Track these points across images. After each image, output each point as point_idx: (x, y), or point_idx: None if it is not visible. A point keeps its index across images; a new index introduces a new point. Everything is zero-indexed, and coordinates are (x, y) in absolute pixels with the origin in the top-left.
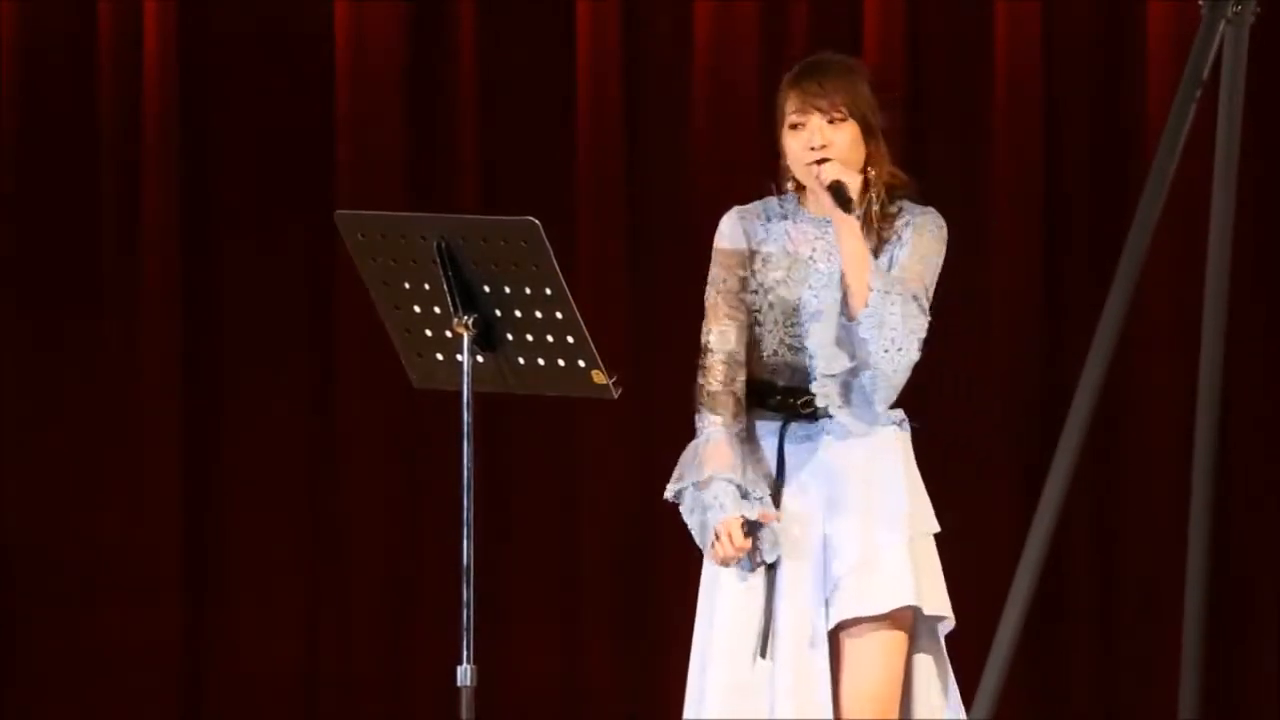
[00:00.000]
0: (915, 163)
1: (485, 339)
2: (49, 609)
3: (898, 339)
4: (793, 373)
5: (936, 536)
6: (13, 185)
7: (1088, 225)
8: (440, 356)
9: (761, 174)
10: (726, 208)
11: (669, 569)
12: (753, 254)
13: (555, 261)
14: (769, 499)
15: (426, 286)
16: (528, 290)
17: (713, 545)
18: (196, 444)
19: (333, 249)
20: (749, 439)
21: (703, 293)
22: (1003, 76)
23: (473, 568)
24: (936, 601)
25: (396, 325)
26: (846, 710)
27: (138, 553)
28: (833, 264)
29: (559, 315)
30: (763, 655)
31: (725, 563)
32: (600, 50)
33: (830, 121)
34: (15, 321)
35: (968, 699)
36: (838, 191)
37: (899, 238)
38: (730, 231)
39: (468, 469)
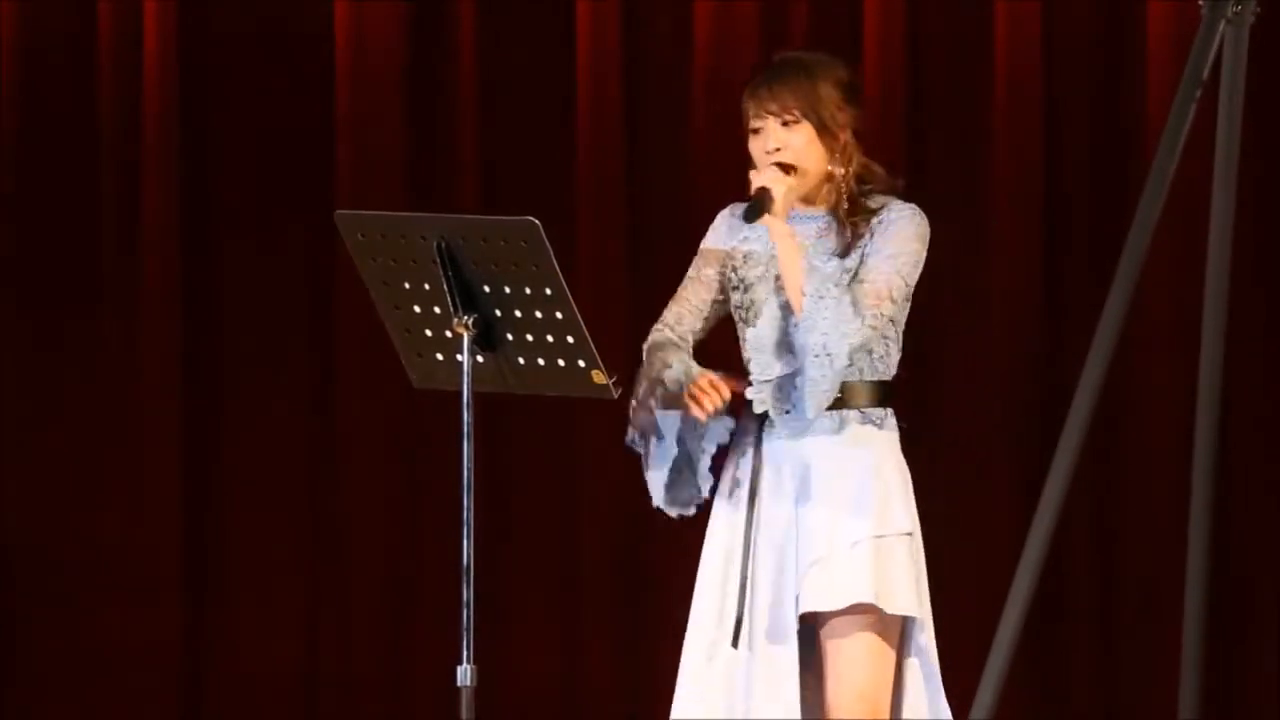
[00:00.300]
0: (915, 163)
1: (485, 339)
2: (49, 609)
3: (829, 344)
4: None
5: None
6: (13, 185)
7: (1088, 225)
8: (440, 356)
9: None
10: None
11: (669, 569)
12: (736, 252)
13: (555, 261)
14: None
15: (426, 286)
16: (528, 290)
17: (691, 399)
18: (196, 444)
19: (333, 249)
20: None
21: None
22: (1003, 76)
23: (473, 568)
24: (901, 601)
25: (396, 325)
26: (833, 710)
27: (138, 553)
28: (817, 263)
29: (559, 315)
30: (734, 645)
31: (714, 411)
32: (600, 50)
33: (784, 124)
34: (15, 321)
35: (968, 699)
36: (753, 201)
37: (871, 235)
38: (717, 227)
39: (468, 469)
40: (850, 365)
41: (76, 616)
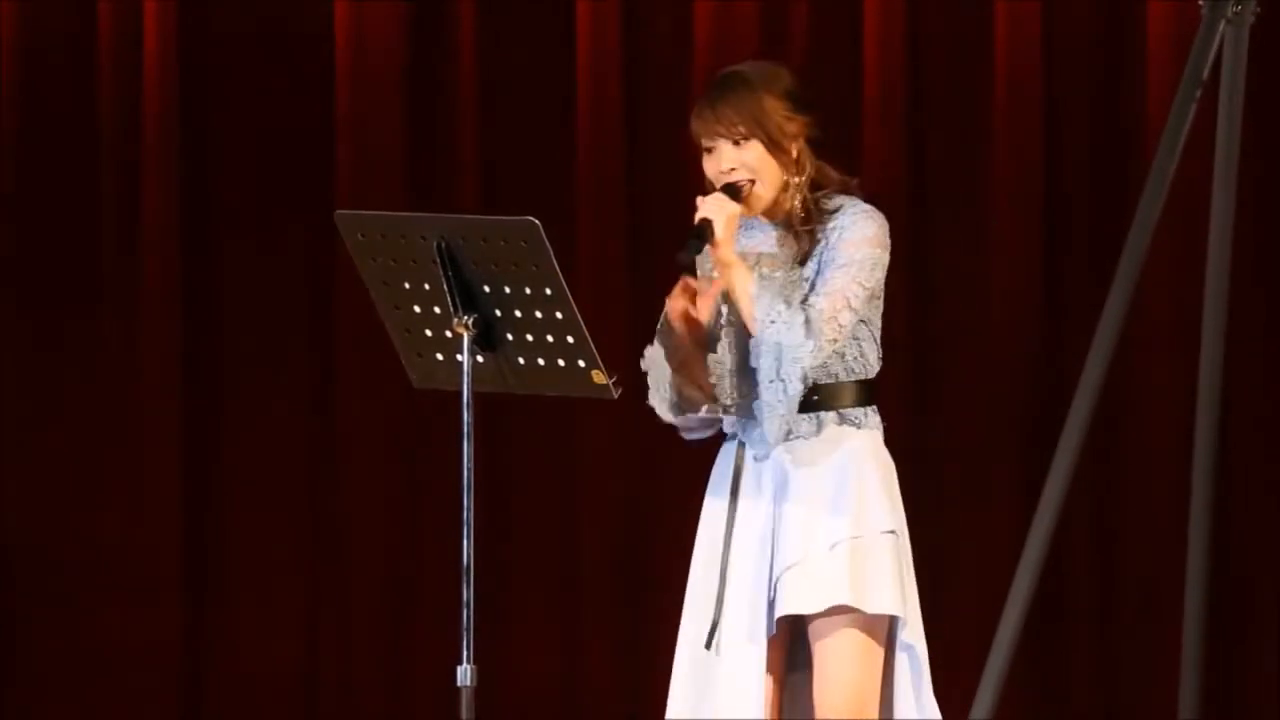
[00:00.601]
0: (915, 163)
1: (485, 339)
2: (49, 609)
3: (781, 369)
4: None
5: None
6: (13, 185)
7: (1088, 225)
8: (440, 356)
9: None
10: None
11: (669, 569)
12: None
13: (555, 261)
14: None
15: (426, 286)
16: (528, 290)
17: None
18: (196, 444)
19: (333, 249)
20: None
21: None
22: (1003, 76)
23: (473, 568)
24: (881, 600)
25: (396, 325)
26: (821, 710)
27: (138, 553)
28: (780, 273)
29: (559, 315)
30: (707, 647)
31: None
32: (600, 50)
33: (735, 143)
34: (15, 321)
35: (967, 699)
36: (692, 233)
37: (827, 242)
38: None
39: (468, 469)
40: (806, 386)
41: (76, 616)
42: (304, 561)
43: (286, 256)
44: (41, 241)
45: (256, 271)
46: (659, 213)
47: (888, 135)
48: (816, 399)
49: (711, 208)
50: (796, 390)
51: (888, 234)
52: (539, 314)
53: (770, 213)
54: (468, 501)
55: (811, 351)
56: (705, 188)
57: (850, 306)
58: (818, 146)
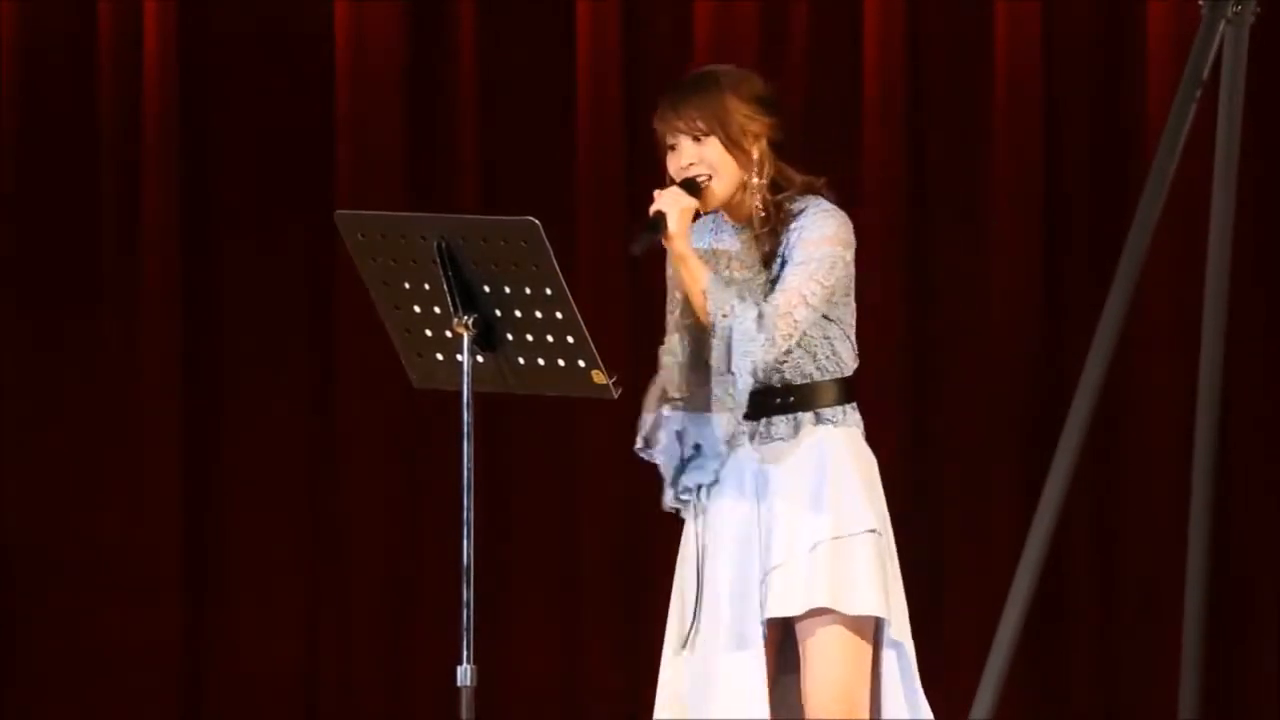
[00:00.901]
0: (915, 163)
1: (485, 339)
2: (49, 609)
3: (734, 363)
4: None
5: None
6: (13, 185)
7: (1088, 225)
8: (440, 356)
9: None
10: None
11: (669, 569)
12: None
13: (555, 261)
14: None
15: (426, 286)
16: (528, 290)
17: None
18: (196, 444)
19: (333, 249)
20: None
21: None
22: (1003, 76)
23: (473, 568)
24: (862, 601)
25: (396, 325)
26: (811, 710)
27: (138, 553)
28: (745, 274)
29: (559, 315)
30: (682, 647)
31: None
32: (600, 50)
33: (695, 139)
34: (15, 321)
35: (968, 699)
36: (647, 225)
37: (789, 242)
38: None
39: (468, 469)
40: (762, 378)
41: (76, 616)
42: (304, 561)
43: (286, 256)
44: (41, 241)
45: (256, 271)
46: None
47: (888, 135)
48: (793, 400)
49: (666, 200)
50: (746, 384)
51: (851, 233)
52: (539, 314)
53: (735, 214)
54: (468, 501)
55: (763, 345)
56: (667, 185)
57: (807, 303)
58: (780, 149)
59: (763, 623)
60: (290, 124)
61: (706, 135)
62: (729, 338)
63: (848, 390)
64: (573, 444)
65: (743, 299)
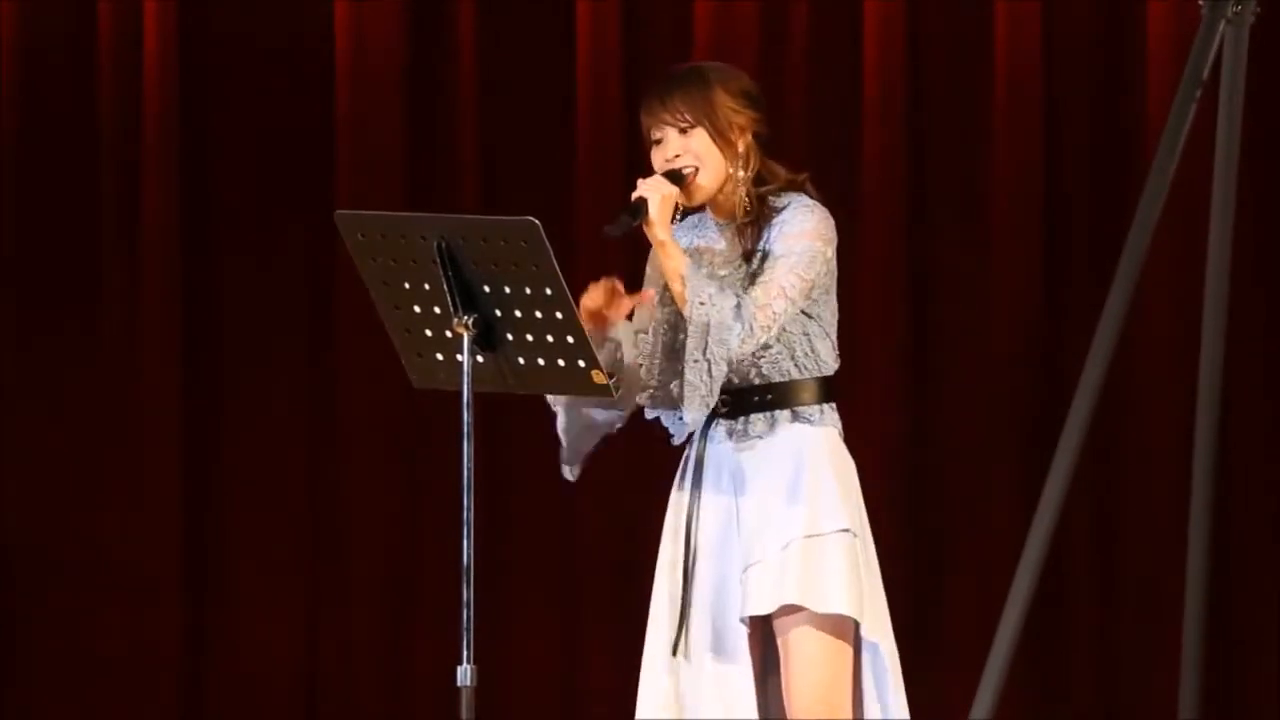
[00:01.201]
0: (915, 163)
1: (485, 339)
2: (49, 609)
3: (709, 350)
4: None
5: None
6: (13, 185)
7: (1088, 225)
8: (440, 356)
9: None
10: None
11: None
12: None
13: (555, 261)
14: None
15: (426, 286)
16: (528, 290)
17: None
18: (196, 444)
19: (333, 249)
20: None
21: None
22: (1003, 76)
23: (473, 568)
24: (834, 600)
25: (396, 325)
26: (791, 712)
27: (138, 553)
28: (727, 271)
29: (559, 315)
30: (674, 653)
31: (613, 307)
32: (600, 50)
33: (681, 131)
34: (15, 321)
35: (968, 699)
36: (626, 209)
37: (770, 237)
38: (651, 255)
39: (468, 469)
40: (744, 374)
41: (76, 616)
42: (304, 561)
43: (286, 256)
44: (41, 241)
45: (256, 271)
46: None
47: (888, 135)
48: (770, 398)
49: (648, 187)
50: (720, 372)
51: (832, 229)
52: (539, 314)
53: (719, 210)
54: (468, 501)
55: (739, 335)
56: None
57: (786, 296)
58: (765, 144)
59: (743, 621)
60: (290, 124)
61: (693, 127)
62: (706, 326)
63: (826, 390)
64: None
65: (721, 289)
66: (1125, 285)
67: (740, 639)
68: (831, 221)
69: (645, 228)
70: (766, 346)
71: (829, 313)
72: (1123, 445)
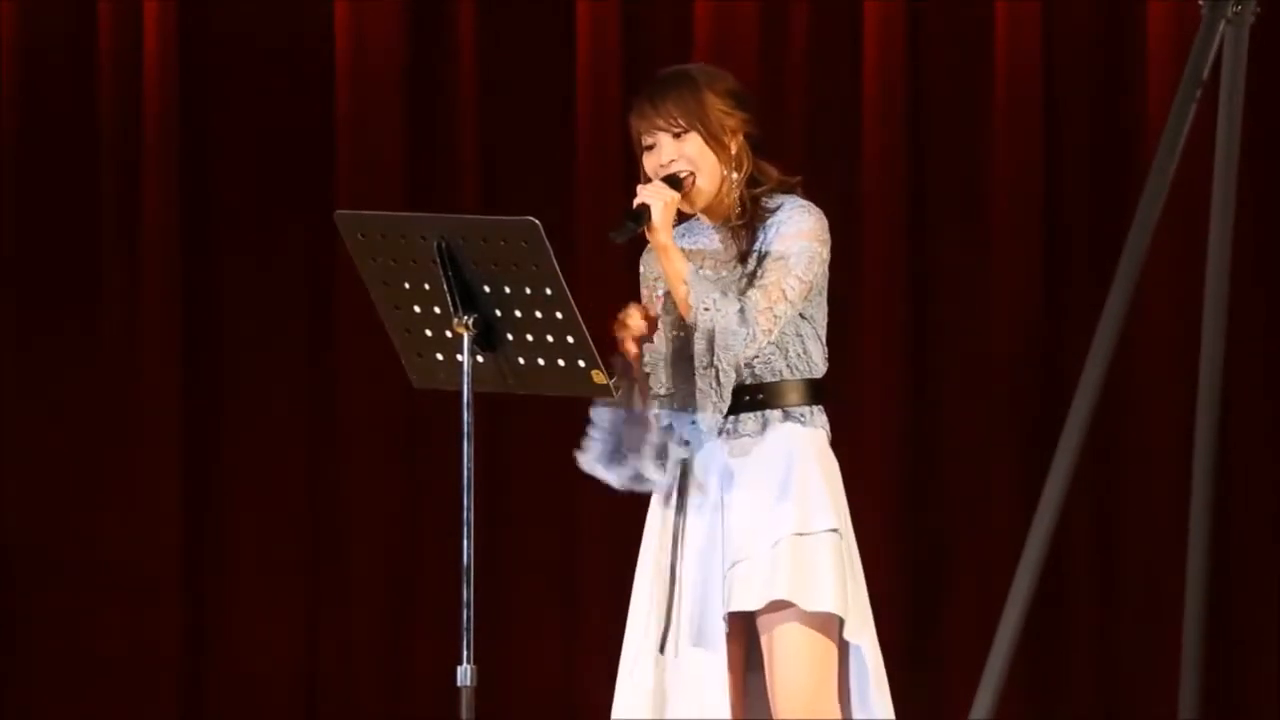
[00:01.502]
0: (915, 163)
1: (485, 339)
2: (49, 609)
3: (716, 356)
4: None
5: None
6: (13, 185)
7: (1088, 225)
8: (440, 356)
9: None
10: None
11: None
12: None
13: (555, 261)
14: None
15: (426, 286)
16: (528, 290)
17: (618, 339)
18: (196, 444)
19: (333, 249)
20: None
21: None
22: (1003, 76)
23: (473, 568)
24: (821, 598)
25: (396, 325)
26: (777, 710)
27: (138, 553)
28: (724, 273)
29: (559, 315)
30: (661, 651)
31: (634, 338)
32: (600, 50)
33: (675, 136)
34: (15, 321)
35: (968, 699)
36: (628, 215)
37: (765, 238)
38: (645, 259)
39: (468, 469)
40: (738, 374)
41: (76, 616)
42: (304, 561)
43: (286, 256)
44: (41, 241)
45: (256, 271)
46: None
47: (888, 135)
48: (761, 397)
49: (650, 193)
50: (729, 378)
51: (826, 229)
52: (539, 314)
53: (712, 213)
54: (468, 501)
55: (745, 339)
56: (644, 182)
57: (786, 298)
58: (756, 145)
59: (724, 618)
60: (290, 124)
61: (686, 132)
62: (711, 332)
63: (816, 391)
64: (573, 444)
65: (724, 293)
66: (1125, 285)
67: (720, 637)
68: (826, 222)
69: (649, 234)
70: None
71: (821, 314)
72: (1123, 445)
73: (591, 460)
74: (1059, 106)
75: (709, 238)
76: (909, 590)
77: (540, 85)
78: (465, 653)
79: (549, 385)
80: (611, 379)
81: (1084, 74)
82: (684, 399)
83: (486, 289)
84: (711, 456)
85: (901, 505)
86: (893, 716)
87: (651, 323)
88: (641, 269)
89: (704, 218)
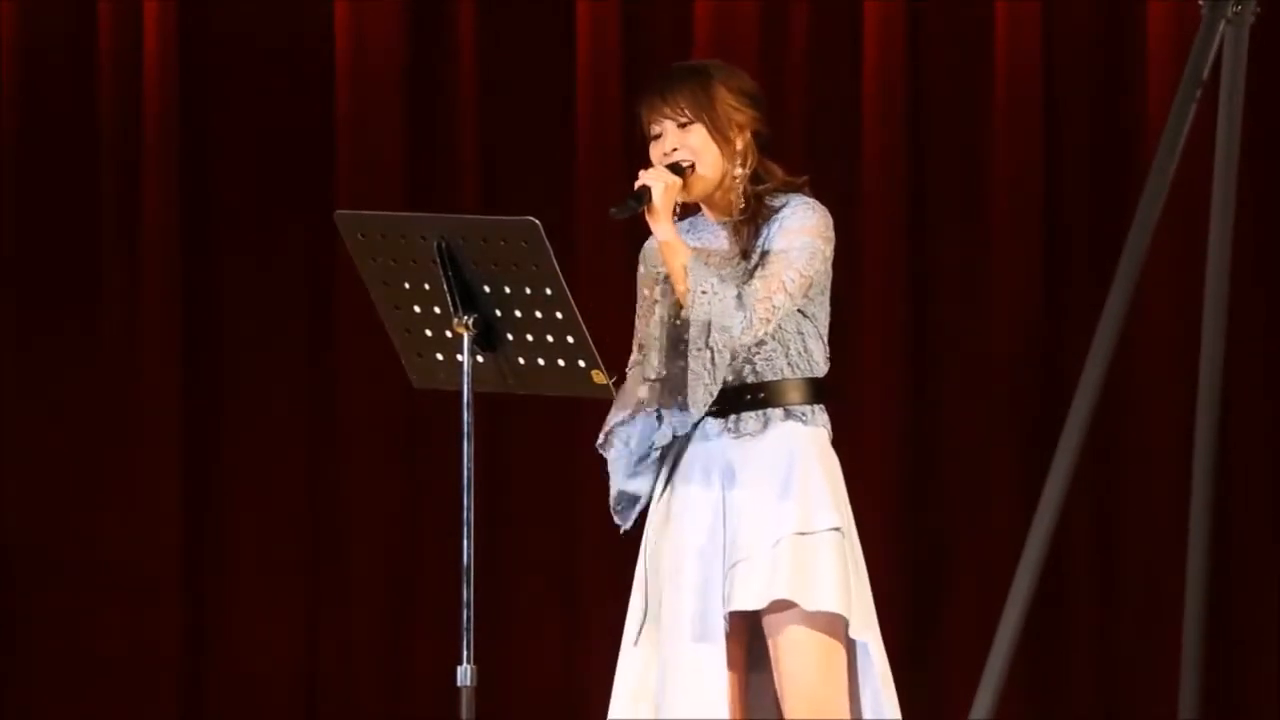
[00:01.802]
0: (916, 162)
1: (485, 339)
2: (49, 609)
3: (711, 338)
4: None
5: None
6: (13, 185)
7: (1088, 225)
8: (440, 356)
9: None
10: None
11: None
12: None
13: (555, 261)
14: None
15: (426, 286)
16: (528, 290)
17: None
18: (196, 444)
19: (333, 249)
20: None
21: None
22: (1003, 76)
23: (473, 568)
24: (823, 598)
25: (396, 325)
26: (785, 711)
27: (138, 553)
28: (727, 270)
29: (559, 315)
30: (634, 644)
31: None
32: (600, 50)
33: (680, 125)
34: (15, 321)
35: (968, 699)
36: (630, 196)
37: (769, 233)
38: (645, 256)
39: (468, 469)
40: (736, 365)
41: (76, 616)
42: (304, 561)
43: (286, 256)
44: (41, 241)
45: (256, 271)
46: None
47: (888, 135)
48: (763, 396)
49: (652, 175)
50: (723, 361)
51: (831, 228)
52: (539, 314)
53: (714, 207)
54: (468, 501)
55: (741, 325)
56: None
57: (785, 290)
58: (764, 144)
59: (725, 617)
60: (290, 124)
61: (692, 123)
62: (708, 315)
63: (817, 391)
64: (573, 444)
65: (723, 279)
66: (1125, 285)
67: (719, 636)
68: (831, 221)
69: (648, 215)
70: (761, 343)
71: (824, 313)
72: (1123, 445)
73: (615, 463)
74: (1059, 106)
75: (714, 234)
76: (909, 590)
77: (540, 85)
78: (465, 653)
79: (549, 385)
80: (611, 379)
81: (1084, 74)
82: (676, 385)
83: (486, 289)
84: (712, 456)
85: (901, 505)
86: (899, 716)
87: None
88: (640, 268)
89: (709, 214)
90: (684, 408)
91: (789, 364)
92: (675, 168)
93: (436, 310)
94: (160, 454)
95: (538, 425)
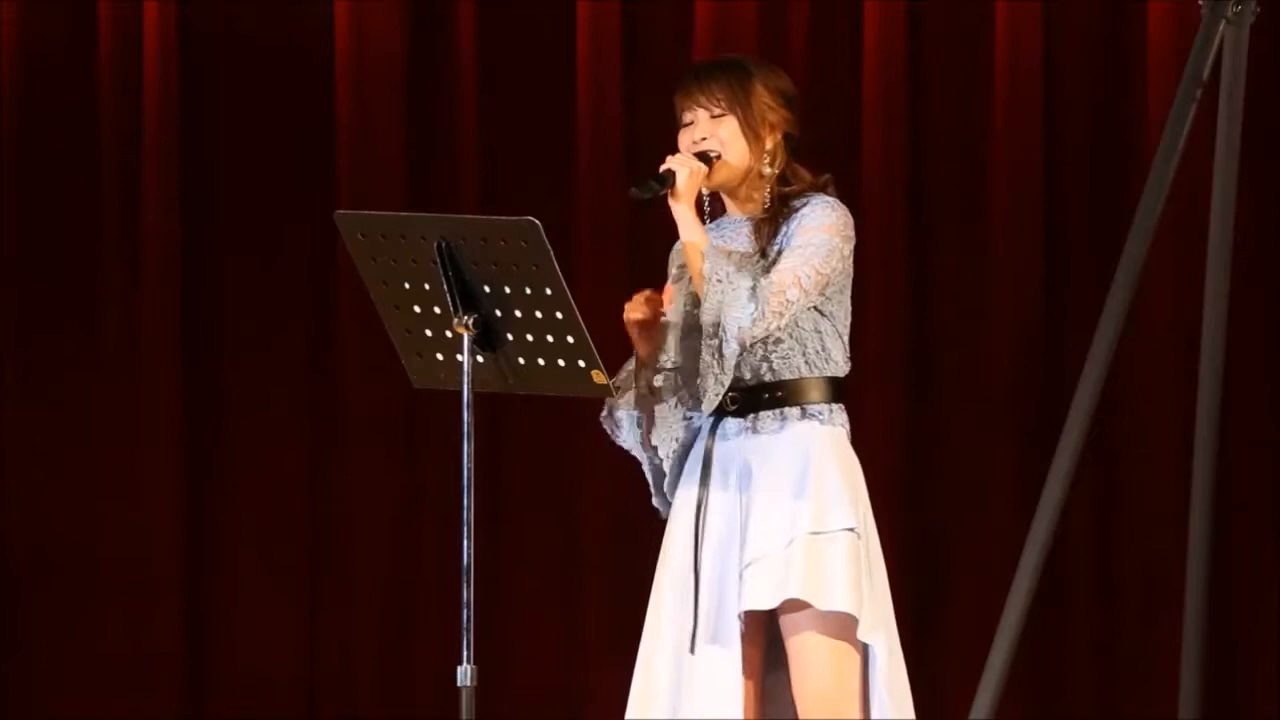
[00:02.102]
0: (916, 163)
1: (485, 339)
2: (49, 609)
3: (722, 327)
4: None
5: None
6: (13, 185)
7: (1088, 225)
8: (440, 356)
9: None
10: None
11: None
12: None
13: (555, 261)
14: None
15: (426, 286)
16: (528, 290)
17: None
18: (196, 444)
19: (333, 249)
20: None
21: None
22: (1003, 76)
23: (473, 568)
24: (836, 598)
25: (396, 325)
26: (801, 711)
27: (138, 553)
28: (744, 265)
29: (559, 315)
30: (692, 651)
31: (643, 316)
32: (600, 50)
33: (713, 116)
34: (15, 322)
35: (968, 699)
36: (654, 176)
37: (788, 230)
38: (672, 254)
39: (468, 469)
40: (745, 352)
41: (76, 616)
42: (304, 561)
43: (287, 257)
44: (42, 241)
45: (257, 271)
46: (658, 213)
47: (888, 135)
48: (781, 395)
49: (678, 161)
50: (731, 350)
51: (850, 227)
52: (539, 314)
53: (739, 202)
54: (468, 501)
55: (753, 315)
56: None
57: (800, 285)
58: (794, 148)
59: (739, 616)
60: (290, 124)
61: (725, 114)
62: (721, 302)
63: (836, 390)
64: (573, 444)
65: (739, 268)
66: (1125, 285)
67: (734, 637)
68: (851, 221)
69: (670, 198)
70: (779, 341)
71: (843, 312)
72: (1123, 445)
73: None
74: (1059, 106)
75: (736, 234)
76: (909, 590)
77: (540, 85)
78: (465, 653)
79: (549, 385)
80: (611, 379)
81: (1084, 74)
82: (690, 373)
83: (486, 289)
84: (730, 455)
85: (901, 505)
86: (913, 717)
87: (656, 304)
88: (671, 269)
89: (733, 211)
90: (696, 397)
91: (807, 363)
92: (703, 156)
93: (436, 310)
94: (160, 454)
95: (537, 425)
